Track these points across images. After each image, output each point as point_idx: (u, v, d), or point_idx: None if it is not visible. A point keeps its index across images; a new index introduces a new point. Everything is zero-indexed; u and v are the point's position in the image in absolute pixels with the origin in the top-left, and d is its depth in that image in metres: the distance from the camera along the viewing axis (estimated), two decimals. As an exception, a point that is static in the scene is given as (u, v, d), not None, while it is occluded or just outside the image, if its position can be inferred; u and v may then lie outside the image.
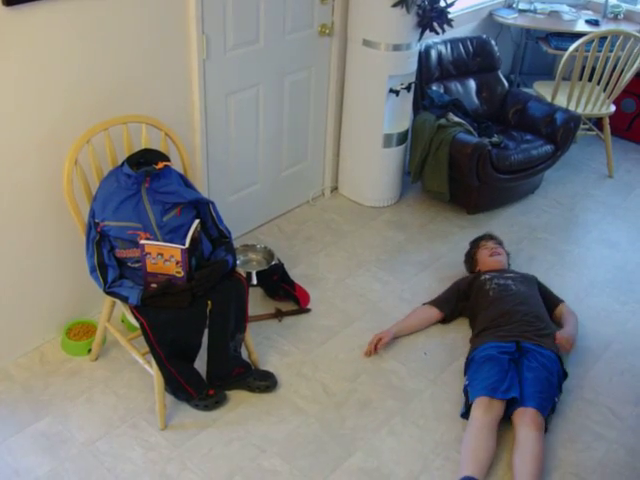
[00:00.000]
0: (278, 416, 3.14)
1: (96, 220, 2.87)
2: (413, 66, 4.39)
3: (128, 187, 2.87)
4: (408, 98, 4.51)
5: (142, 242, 2.77)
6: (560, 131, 4.67)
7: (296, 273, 3.99)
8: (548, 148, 4.67)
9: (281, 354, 3.47)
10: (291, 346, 3.52)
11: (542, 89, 5.37)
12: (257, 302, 3.78)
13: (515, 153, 4.51)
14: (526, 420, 2.97)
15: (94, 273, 2.90)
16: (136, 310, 2.84)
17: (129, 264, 2.95)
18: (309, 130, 4.45)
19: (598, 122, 5.52)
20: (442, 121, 4.51)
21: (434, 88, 4.75)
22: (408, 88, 4.43)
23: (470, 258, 3.95)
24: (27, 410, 3.10)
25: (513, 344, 3.26)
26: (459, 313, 3.72)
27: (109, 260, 2.91)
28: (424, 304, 3.73)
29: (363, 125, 4.47)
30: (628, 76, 4.97)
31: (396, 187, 4.74)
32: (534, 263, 4.25)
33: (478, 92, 5.00)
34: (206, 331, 3.01)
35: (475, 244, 3.98)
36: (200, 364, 3.10)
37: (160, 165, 2.91)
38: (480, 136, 4.57)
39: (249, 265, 4.01)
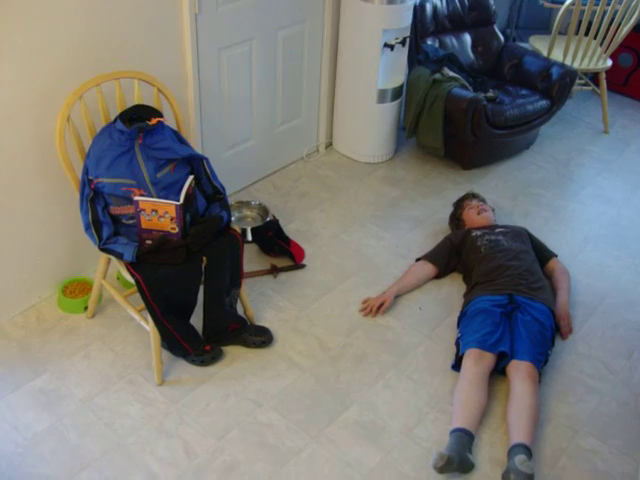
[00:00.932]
0: (274, 371, 3.16)
1: (89, 177, 2.86)
2: (408, 20, 4.33)
3: (121, 143, 2.85)
4: (403, 53, 4.47)
5: (136, 198, 2.76)
6: (556, 86, 4.64)
7: (291, 229, 3.99)
8: (544, 103, 4.64)
9: (276, 310, 3.49)
10: (286, 302, 3.54)
11: (538, 43, 5.32)
12: (252, 258, 3.78)
13: (510, 108, 4.48)
14: (521, 374, 2.99)
15: (89, 230, 2.90)
16: (131, 267, 2.84)
17: (124, 221, 2.94)
18: (303, 86, 4.42)
19: (594, 77, 5.49)
20: (437, 76, 4.48)
21: (429, 42, 4.71)
22: (403, 42, 4.38)
23: (456, 219, 3.93)
24: (25, 367, 3.12)
25: (506, 297, 3.28)
26: (452, 268, 3.73)
27: (103, 217, 2.90)
28: (418, 260, 3.73)
29: (357, 80, 4.43)
30: (625, 30, 4.93)
31: (391, 143, 4.72)
32: (529, 218, 4.25)
33: (473, 46, 4.96)
34: (202, 287, 3.02)
35: (459, 205, 3.96)
36: (196, 320, 3.12)
37: (153, 121, 2.89)
38: (475, 91, 4.54)
39: (244, 222, 4.02)
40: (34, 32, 2.87)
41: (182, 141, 3.05)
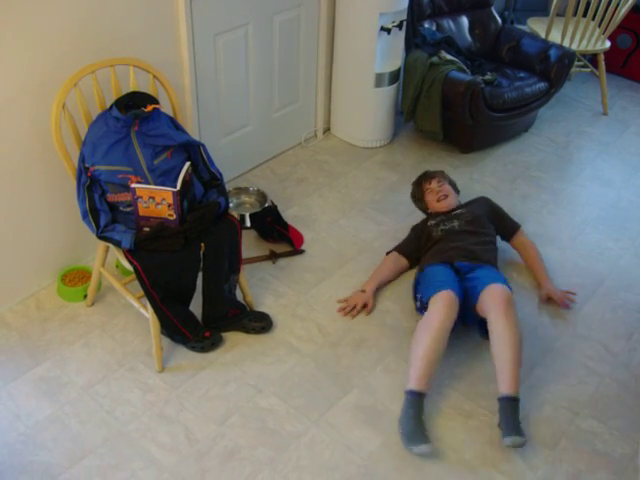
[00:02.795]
0: (274, 356, 3.17)
1: (86, 165, 2.85)
2: (404, 3, 4.31)
3: (117, 130, 2.85)
4: (400, 36, 4.45)
5: (133, 186, 2.76)
6: (554, 68, 4.63)
7: (289, 215, 3.98)
8: (542, 85, 4.63)
9: (276, 295, 3.49)
10: (286, 287, 3.54)
11: (536, 25, 5.30)
12: (251, 244, 3.78)
13: (509, 91, 4.47)
14: (496, 299, 2.99)
15: (86, 218, 2.90)
16: (129, 254, 2.84)
17: (121, 208, 2.94)
18: (300, 71, 4.40)
19: (593, 58, 5.48)
20: (434, 59, 4.47)
21: (426, 26, 4.69)
22: (400, 26, 4.36)
23: (418, 200, 3.86)
24: (25, 356, 3.13)
25: (448, 264, 3.29)
26: (417, 259, 3.65)
27: (101, 205, 2.90)
28: (388, 253, 3.68)
29: (354, 64, 4.41)
30: (623, 11, 4.90)
31: (389, 127, 4.70)
32: (528, 201, 4.25)
33: (471, 29, 4.94)
34: (200, 274, 3.02)
35: (419, 187, 3.86)
36: (195, 306, 3.12)
37: (149, 108, 2.88)
38: (473, 74, 4.53)
39: (242, 208, 4.01)
40: (29, 20, 2.85)
41: (178, 128, 3.04)
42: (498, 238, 3.63)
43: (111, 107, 2.88)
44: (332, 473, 2.69)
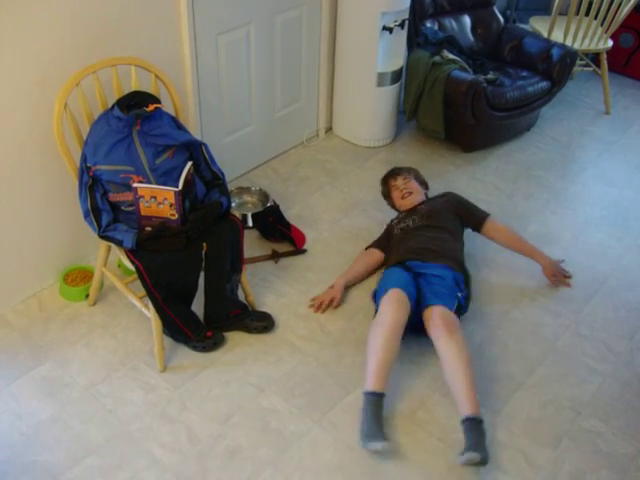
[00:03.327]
0: (276, 356, 3.17)
1: (88, 164, 2.85)
2: (406, 2, 4.30)
3: (119, 130, 2.84)
4: (402, 35, 4.45)
5: (135, 185, 2.76)
6: (556, 67, 4.62)
7: (291, 214, 3.98)
8: (544, 85, 4.62)
9: (278, 295, 3.49)
10: (288, 287, 3.54)
11: (538, 24, 5.30)
12: (253, 244, 3.78)
13: (511, 90, 4.46)
14: (437, 322, 2.95)
15: (88, 218, 2.89)
16: (131, 254, 2.84)
17: (123, 208, 2.93)
18: (302, 70, 4.40)
19: (595, 58, 5.47)
20: (436, 58, 4.46)
21: (428, 25, 4.69)
22: (402, 25, 4.36)
23: (387, 197, 3.87)
24: (27, 356, 3.13)
25: (401, 265, 3.26)
26: None
27: (102, 204, 2.89)
28: (366, 248, 3.69)
29: (356, 64, 4.41)
30: (626, 10, 4.89)
31: (391, 126, 4.70)
32: (530, 201, 4.24)
33: (473, 28, 4.93)
34: (202, 273, 3.02)
35: (386, 184, 3.87)
36: (197, 306, 3.12)
37: (151, 107, 2.87)
38: (475, 73, 4.52)
39: (244, 207, 4.01)
40: (30, 20, 2.85)
41: (180, 127, 3.04)
42: (471, 233, 3.64)
43: (113, 107, 2.88)
44: (335, 473, 2.69)
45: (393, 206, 3.82)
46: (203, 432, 2.83)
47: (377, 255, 3.62)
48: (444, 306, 3.03)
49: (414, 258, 3.28)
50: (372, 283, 3.49)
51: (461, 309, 3.18)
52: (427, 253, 3.29)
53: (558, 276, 3.60)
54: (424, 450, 2.79)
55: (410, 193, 3.71)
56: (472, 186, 4.34)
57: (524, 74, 4.67)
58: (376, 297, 3.21)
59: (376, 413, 2.78)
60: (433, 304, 3.04)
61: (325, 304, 3.42)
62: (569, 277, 3.63)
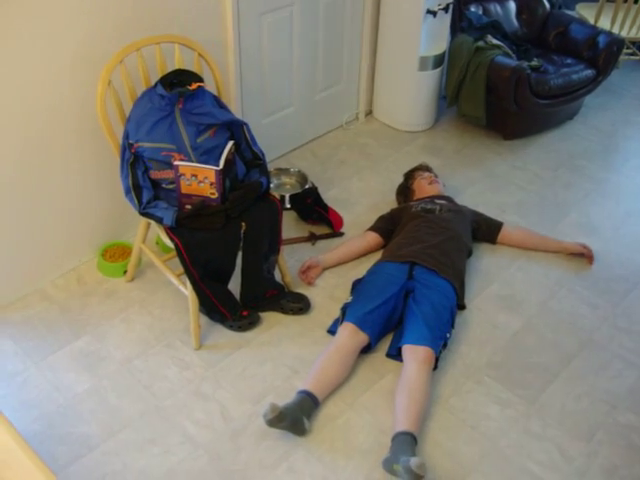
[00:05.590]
0: (311, 338, 3.17)
1: (130, 141, 2.86)
2: (452, -14, 4.27)
3: (162, 108, 2.85)
4: (446, 19, 4.40)
5: (176, 163, 2.77)
6: (602, 55, 4.54)
7: (329, 197, 3.97)
8: (589, 73, 4.55)
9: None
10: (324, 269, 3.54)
11: (585, 11, 5.21)
12: (290, 225, 3.78)
13: (555, 77, 4.40)
14: (419, 357, 2.88)
15: (129, 194, 2.91)
16: (171, 231, 2.85)
17: (163, 185, 2.95)
18: (344, 52, 4.37)
19: (642, 46, 5.36)
20: (480, 43, 4.41)
21: (472, 9, 4.64)
22: (446, 9, 4.32)
23: (407, 189, 3.85)
24: (66, 329, 3.17)
25: (407, 266, 3.20)
26: (390, 237, 3.61)
27: (143, 181, 2.91)
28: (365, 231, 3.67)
29: (399, 47, 4.38)
30: (676, -3, 4.80)
31: (431, 111, 4.66)
32: (571, 190, 4.19)
33: (518, 14, 4.87)
34: (240, 253, 3.03)
35: (411, 175, 3.87)
36: (234, 286, 3.13)
37: (194, 86, 2.88)
38: (519, 59, 4.46)
39: (282, 188, 4.01)
40: (76, -5, 2.87)
41: (222, 106, 3.04)
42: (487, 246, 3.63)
43: (156, 84, 2.88)
44: (366, 456, 2.69)
45: (409, 197, 3.81)
46: (236, 411, 2.85)
47: (372, 238, 3.60)
48: (431, 350, 2.91)
49: (427, 263, 3.19)
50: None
51: (444, 348, 3.08)
52: (441, 259, 3.22)
53: (587, 250, 3.61)
54: (456, 437, 2.78)
55: (437, 182, 3.77)
56: (512, 174, 4.30)
57: (569, 61, 4.60)
58: (348, 305, 3.13)
59: (296, 406, 2.74)
60: (420, 344, 2.91)
61: (304, 267, 3.45)
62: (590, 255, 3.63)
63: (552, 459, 2.71)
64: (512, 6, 4.84)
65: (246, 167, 3.10)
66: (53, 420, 2.79)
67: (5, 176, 3.01)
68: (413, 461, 2.46)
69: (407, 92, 4.52)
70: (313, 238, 3.69)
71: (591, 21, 4.97)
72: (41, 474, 1.65)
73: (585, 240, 3.69)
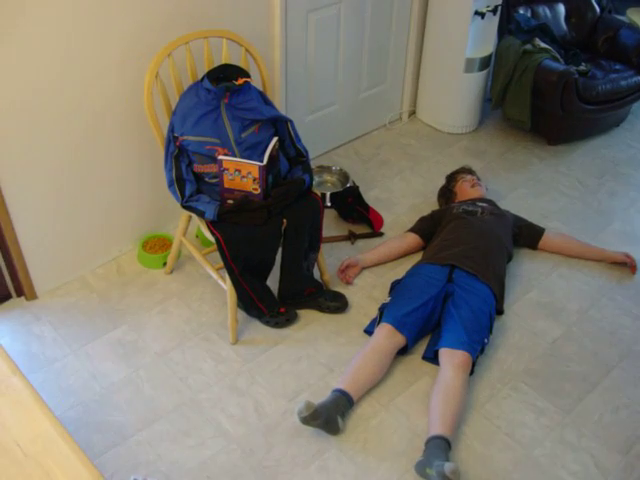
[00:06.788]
0: (347, 337, 3.16)
1: (175, 134, 2.88)
2: (501, -12, 4.22)
3: (208, 102, 2.86)
4: (493, 21, 4.36)
5: (220, 157, 2.78)
6: (653, 62, 4.47)
7: (370, 196, 3.96)
8: (638, 79, 4.47)
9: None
10: (363, 269, 3.53)
11: (635, 16, 5.13)
12: (330, 224, 3.78)
13: (603, 83, 4.33)
14: (456, 361, 2.86)
15: (172, 187, 2.93)
16: (212, 225, 2.86)
17: (206, 179, 2.96)
18: (389, 52, 4.36)
19: (693, 54, 5.25)
20: (528, 46, 4.36)
21: (521, 12, 4.58)
22: (494, 11, 4.27)
23: (449, 191, 3.82)
24: (104, 318, 3.20)
25: (447, 268, 3.17)
26: (430, 238, 3.58)
27: (187, 175, 2.92)
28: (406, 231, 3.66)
29: (445, 48, 4.35)
30: None
31: (476, 114, 4.62)
32: (615, 199, 4.12)
33: (567, 17, 4.80)
34: (280, 249, 3.03)
35: (453, 178, 3.85)
36: (273, 282, 3.14)
37: (240, 81, 2.88)
38: (567, 64, 4.40)
39: (324, 186, 4.01)
40: (128, -12, 2.89)
41: (267, 102, 3.04)
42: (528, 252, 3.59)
43: (203, 78, 2.89)
44: (399, 458, 2.68)
45: (450, 199, 3.79)
46: (271, 407, 2.85)
47: (411, 239, 3.59)
48: (469, 354, 2.90)
49: (467, 267, 3.16)
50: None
51: (481, 354, 3.06)
52: (482, 263, 3.19)
53: (628, 259, 3.56)
54: (490, 443, 2.75)
55: (480, 185, 3.75)
56: (556, 179, 4.24)
57: (617, 67, 4.53)
58: (384, 304, 3.14)
59: (332, 405, 2.73)
60: (458, 349, 2.90)
61: (343, 266, 3.45)
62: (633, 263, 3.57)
63: (587, 470, 2.68)
64: (561, 9, 4.78)
65: (289, 164, 3.10)
66: (89, 408, 2.82)
67: (51, 167, 3.04)
68: (447, 466, 2.44)
69: (452, 94, 4.49)
70: (353, 237, 3.68)
71: (642, 27, 4.89)
72: (80, 462, 1.66)
73: (628, 249, 3.63)
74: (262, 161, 2.78)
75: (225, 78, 2.91)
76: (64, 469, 1.67)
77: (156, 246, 3.51)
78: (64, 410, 2.80)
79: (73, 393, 2.87)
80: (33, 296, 3.28)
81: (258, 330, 3.18)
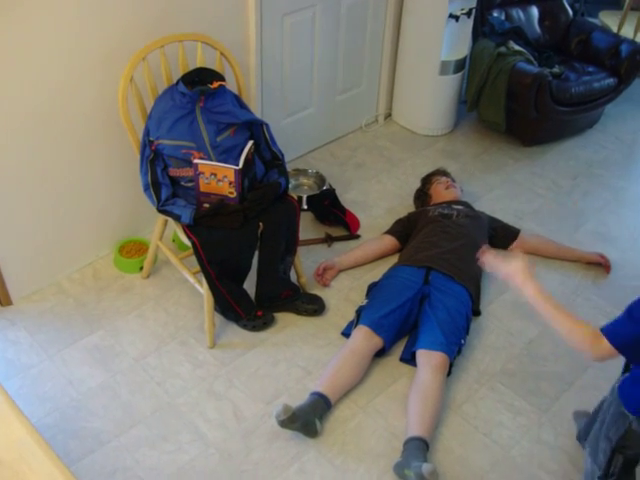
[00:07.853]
0: (325, 339, 3.17)
1: (150, 138, 2.87)
2: (475, -10, 4.25)
3: (183, 106, 2.86)
4: (468, 24, 4.39)
5: (196, 161, 2.77)
6: (625, 64, 4.51)
7: (347, 199, 3.97)
8: (611, 81, 4.52)
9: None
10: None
11: (608, 19, 5.18)
12: (307, 226, 3.78)
13: (576, 85, 4.37)
14: (433, 362, 2.87)
15: (147, 191, 2.92)
16: (188, 229, 2.86)
17: (182, 183, 2.95)
18: (365, 55, 4.37)
19: (665, 56, 5.31)
20: (502, 49, 4.40)
21: (495, 15, 4.62)
22: (468, 14, 4.30)
23: (424, 194, 3.83)
24: (80, 323, 3.18)
25: (423, 270, 3.18)
26: (406, 240, 3.59)
27: (163, 178, 2.92)
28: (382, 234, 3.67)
29: (420, 51, 4.37)
30: (700, 7, 4.76)
31: (451, 116, 4.65)
32: (589, 199, 4.16)
33: (540, 20, 4.84)
34: (256, 253, 3.03)
35: (428, 180, 3.86)
36: (249, 286, 3.13)
37: (215, 84, 2.88)
38: (540, 66, 4.44)
39: (300, 189, 4.01)
40: (101, -9, 2.88)
41: (243, 106, 3.05)
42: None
43: (178, 82, 2.89)
44: (377, 460, 2.69)
45: (426, 201, 3.79)
46: (249, 410, 2.85)
47: (387, 241, 3.59)
48: (446, 355, 2.91)
49: (443, 269, 3.17)
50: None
51: (458, 354, 3.07)
52: (458, 265, 3.20)
53: (604, 259, 3.61)
54: (468, 444, 2.77)
55: (454, 187, 3.77)
56: (530, 181, 4.28)
57: (590, 69, 4.58)
58: (363, 308, 3.13)
59: (310, 408, 2.73)
60: (433, 350, 2.92)
61: (320, 270, 3.44)
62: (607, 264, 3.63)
63: (564, 469, 2.70)
64: (535, 12, 4.82)
65: (265, 167, 3.10)
66: (66, 414, 2.80)
67: (25, 171, 3.02)
68: (425, 467, 2.46)
69: (427, 96, 4.51)
70: (329, 240, 3.69)
71: (614, 29, 4.94)
72: (56, 469, 1.65)
73: (602, 249, 3.67)
74: (238, 165, 2.78)
75: (200, 82, 2.91)
76: (40, 477, 1.65)
77: (132, 250, 3.50)
78: (40, 417, 2.78)
79: (49, 399, 2.85)
80: (8, 302, 3.25)
81: (235, 334, 3.17)
